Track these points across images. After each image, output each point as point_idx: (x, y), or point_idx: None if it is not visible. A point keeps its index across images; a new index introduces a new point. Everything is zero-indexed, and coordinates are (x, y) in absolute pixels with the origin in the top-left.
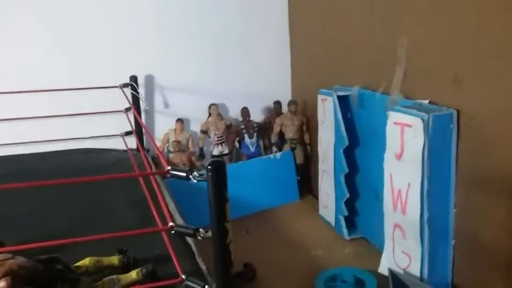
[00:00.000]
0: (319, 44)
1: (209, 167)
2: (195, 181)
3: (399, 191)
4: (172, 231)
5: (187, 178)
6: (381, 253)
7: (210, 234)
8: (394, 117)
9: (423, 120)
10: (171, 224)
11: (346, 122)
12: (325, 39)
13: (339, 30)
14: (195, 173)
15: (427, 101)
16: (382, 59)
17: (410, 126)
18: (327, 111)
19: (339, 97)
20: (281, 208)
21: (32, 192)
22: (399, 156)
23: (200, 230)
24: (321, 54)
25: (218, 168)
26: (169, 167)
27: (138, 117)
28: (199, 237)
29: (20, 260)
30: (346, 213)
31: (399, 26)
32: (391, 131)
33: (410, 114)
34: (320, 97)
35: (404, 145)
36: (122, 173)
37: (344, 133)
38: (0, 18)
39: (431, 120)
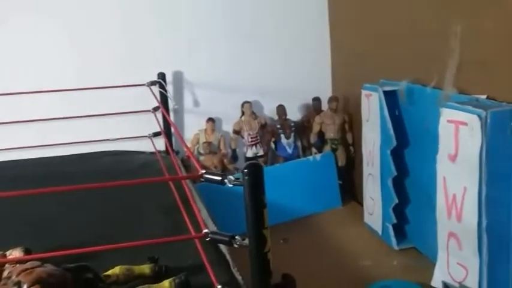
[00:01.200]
0: (363, 35)
1: (245, 170)
2: (230, 185)
3: (454, 196)
4: (207, 239)
5: (222, 182)
6: (434, 264)
7: (247, 242)
8: (448, 115)
9: (480, 118)
10: (205, 230)
11: (393, 120)
12: (369, 30)
13: (385, 19)
14: (230, 177)
15: (484, 96)
16: (433, 50)
17: (465, 124)
18: (372, 108)
19: (385, 92)
20: (322, 215)
21: (58, 196)
22: (454, 158)
23: (236, 237)
24: (365, 46)
25: (255, 171)
26: (203, 171)
27: (167, 117)
28: (235, 245)
29: (49, 268)
30: (395, 221)
31: (452, 12)
32: (445, 130)
33: (465, 111)
34: (364, 93)
35: (459, 145)
36: (151, 177)
37: (391, 132)
38: (25, 20)
39: (490, 117)
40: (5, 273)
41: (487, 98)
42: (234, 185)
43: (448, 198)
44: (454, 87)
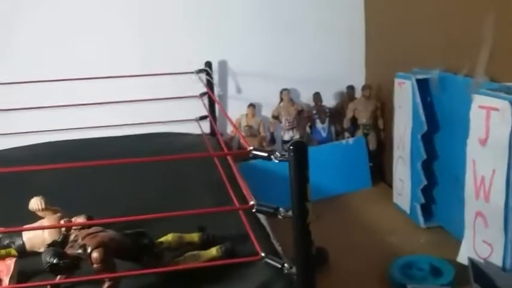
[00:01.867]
0: (396, 25)
1: (291, 147)
2: (276, 161)
3: (482, 178)
4: (253, 210)
5: (268, 158)
6: (459, 242)
7: (290, 213)
8: (480, 101)
9: (511, 104)
10: (252, 202)
11: (424, 107)
12: (402, 19)
13: (417, 8)
14: (276, 153)
15: None
16: (465, 38)
17: (497, 109)
18: (404, 95)
19: (417, 80)
20: (352, 194)
21: (115, 172)
22: (484, 142)
23: (280, 209)
24: (398, 35)
25: (300, 148)
26: (251, 147)
27: (215, 101)
28: (279, 216)
29: (111, 233)
30: (423, 201)
31: (484, 0)
32: (476, 115)
33: (497, 97)
34: (397, 81)
35: (489, 130)
36: (197, 156)
37: (423, 118)
38: (70, 7)
39: None
40: (72, 237)
41: None
42: (280, 160)
43: (476, 180)
44: (485, 75)
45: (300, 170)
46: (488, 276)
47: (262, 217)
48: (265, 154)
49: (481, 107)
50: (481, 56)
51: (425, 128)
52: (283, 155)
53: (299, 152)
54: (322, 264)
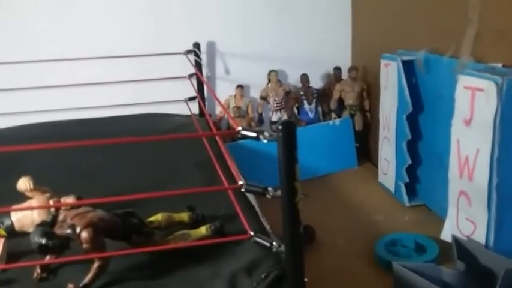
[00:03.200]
0: (382, 6)
1: (280, 127)
2: (265, 141)
3: (467, 157)
4: (242, 190)
5: (257, 138)
6: (443, 220)
7: (279, 193)
8: (465, 81)
9: (497, 84)
10: (240, 182)
11: (410, 88)
12: (389, 2)
13: None
14: (265, 133)
15: (500, 65)
16: (451, 19)
17: (482, 90)
18: (390, 76)
19: (403, 62)
20: (339, 174)
21: (103, 152)
22: (468, 122)
23: (269, 188)
24: (384, 17)
25: (289, 128)
26: (240, 127)
27: (204, 82)
28: (268, 196)
29: (100, 213)
30: (407, 180)
31: None
32: (461, 96)
33: (482, 77)
34: (383, 62)
35: (474, 110)
36: (187, 137)
37: (408, 99)
38: None
39: (506, 83)
40: (61, 217)
41: (503, 66)
42: (269, 140)
43: (460, 160)
44: (471, 56)
45: (289, 150)
46: (472, 253)
47: (251, 196)
48: (254, 134)
49: (466, 87)
50: (467, 37)
51: (410, 108)
52: (272, 135)
53: (288, 132)
54: (309, 242)
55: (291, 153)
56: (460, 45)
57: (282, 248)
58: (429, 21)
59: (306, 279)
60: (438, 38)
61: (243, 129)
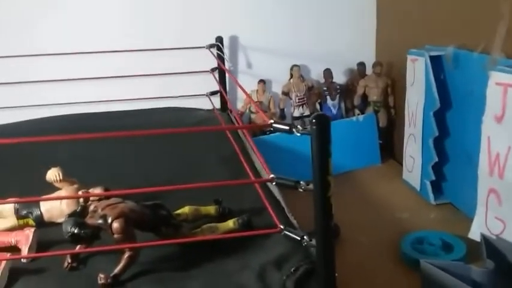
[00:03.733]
0: (408, 0)
1: (313, 120)
2: (298, 134)
3: (497, 154)
4: (273, 183)
5: (290, 131)
6: (469, 219)
7: (311, 186)
8: (497, 78)
9: None
10: (272, 175)
11: (437, 84)
12: None
13: None
14: (298, 126)
15: None
16: (481, 15)
17: None
18: (417, 72)
19: (431, 57)
20: (362, 171)
21: (129, 146)
22: (500, 119)
23: (301, 182)
24: (410, 11)
25: (322, 121)
26: (271, 120)
27: (229, 75)
28: (300, 190)
29: (130, 204)
30: (433, 178)
31: None
32: (492, 92)
33: None
34: (410, 57)
35: (506, 107)
36: (211, 131)
37: (435, 95)
38: None
39: None
40: (91, 208)
41: None
42: (302, 134)
43: (491, 157)
44: (502, 52)
45: (323, 144)
46: (501, 252)
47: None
48: (286, 127)
49: (498, 83)
50: (498, 32)
51: (437, 105)
52: (306, 128)
53: (322, 126)
54: (334, 239)
55: (325, 147)
56: (491, 41)
57: (313, 242)
58: (457, 16)
59: (336, 274)
60: (467, 33)
61: (275, 122)
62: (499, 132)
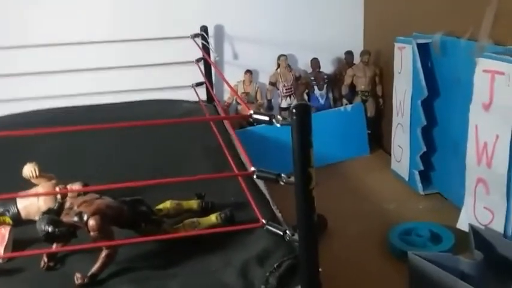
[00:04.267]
0: None
1: (294, 110)
2: (278, 125)
3: (485, 143)
4: (254, 176)
5: (270, 122)
6: (458, 209)
7: (292, 179)
8: (484, 65)
9: None
10: (252, 168)
11: (425, 72)
12: None
13: None
14: (278, 117)
15: None
16: (468, 1)
17: (502, 73)
18: (404, 60)
19: (418, 45)
20: (350, 161)
21: (110, 138)
22: (487, 107)
23: (282, 175)
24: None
25: (303, 111)
26: (251, 111)
27: (213, 66)
28: (281, 183)
29: (107, 200)
30: (422, 168)
31: None
32: (480, 80)
33: (503, 60)
34: (397, 45)
35: (494, 94)
36: (198, 121)
37: (423, 83)
38: None
39: None
40: (67, 204)
41: None
42: (282, 124)
43: (479, 146)
44: (490, 38)
45: (303, 135)
46: (490, 242)
47: (261, 184)
48: (266, 118)
49: (485, 71)
50: (486, 18)
51: (425, 93)
52: (286, 118)
53: (302, 116)
54: (321, 231)
55: (306, 138)
56: (479, 27)
57: (296, 236)
58: (445, 2)
59: (320, 269)
60: (455, 20)
61: (255, 112)
62: (486, 120)
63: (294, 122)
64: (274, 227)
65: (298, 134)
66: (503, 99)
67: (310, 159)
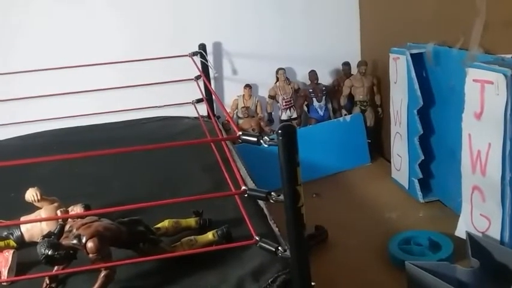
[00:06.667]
0: (389, 1)
1: (279, 131)
2: (265, 146)
3: (478, 152)
4: (245, 195)
5: (258, 143)
6: (458, 216)
7: (282, 197)
8: (474, 74)
9: (506, 76)
10: (243, 187)
11: (420, 81)
12: None
13: None
14: (265, 137)
15: (509, 56)
16: (459, 12)
17: (491, 83)
18: (399, 70)
19: (412, 55)
20: (351, 171)
21: (110, 159)
22: (479, 116)
23: (272, 193)
24: (392, 10)
25: (288, 132)
26: (240, 132)
27: (208, 85)
28: (271, 201)
29: (105, 222)
30: (421, 176)
31: None
32: (470, 89)
33: (491, 70)
34: (392, 56)
35: (484, 103)
36: (194, 140)
37: (418, 93)
38: None
39: None
40: (67, 227)
41: None
42: (269, 145)
43: (472, 154)
44: (479, 47)
45: (289, 154)
46: (487, 250)
47: None
48: (254, 139)
49: (475, 80)
50: (475, 28)
51: (420, 102)
52: (272, 139)
53: (287, 136)
54: (322, 243)
55: (292, 157)
56: (469, 37)
57: (288, 252)
58: (437, 12)
59: (313, 283)
60: (447, 30)
61: (244, 134)
62: (479, 129)
63: (281, 142)
64: (267, 243)
65: (285, 154)
66: (493, 108)
67: (297, 177)
